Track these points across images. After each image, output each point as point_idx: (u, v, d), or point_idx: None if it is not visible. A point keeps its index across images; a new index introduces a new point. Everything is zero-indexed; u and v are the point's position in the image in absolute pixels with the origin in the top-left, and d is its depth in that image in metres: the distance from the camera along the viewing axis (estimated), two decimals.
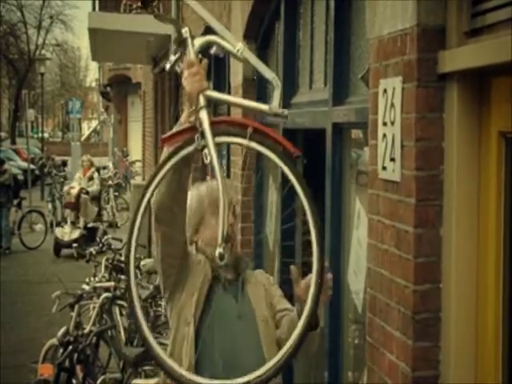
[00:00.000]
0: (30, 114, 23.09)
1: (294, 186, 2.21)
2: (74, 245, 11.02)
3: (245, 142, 2.23)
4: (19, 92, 33.37)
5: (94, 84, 52.57)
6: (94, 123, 59.31)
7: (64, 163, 24.52)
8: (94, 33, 9.21)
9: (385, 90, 2.29)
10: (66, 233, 12.90)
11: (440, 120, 2.09)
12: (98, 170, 16.28)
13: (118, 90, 26.39)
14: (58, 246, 12.90)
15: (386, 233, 2.26)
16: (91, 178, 13.88)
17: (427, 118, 2.09)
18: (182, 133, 2.27)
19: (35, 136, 40.83)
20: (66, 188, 13.66)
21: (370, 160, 2.42)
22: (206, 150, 2.20)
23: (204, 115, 2.19)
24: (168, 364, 2.21)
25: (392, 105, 2.23)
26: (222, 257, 2.15)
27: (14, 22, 35.39)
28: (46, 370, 5.35)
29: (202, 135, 2.19)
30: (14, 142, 34.17)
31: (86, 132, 62.72)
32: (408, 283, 2.11)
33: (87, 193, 13.36)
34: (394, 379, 2.19)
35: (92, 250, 7.17)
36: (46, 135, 45.82)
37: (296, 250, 4.31)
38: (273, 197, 4.68)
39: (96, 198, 14.16)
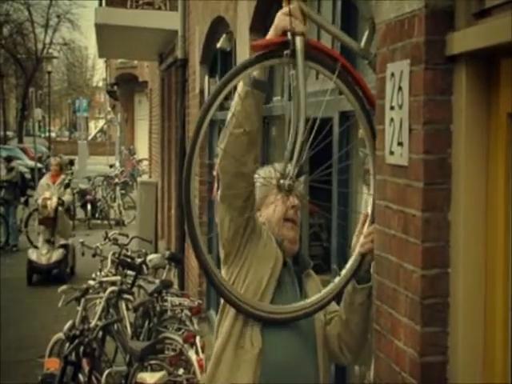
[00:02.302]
0: (37, 113, 23.16)
1: (366, 133, 2.27)
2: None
3: (332, 76, 2.23)
4: (26, 91, 33.46)
5: (100, 83, 52.71)
6: (101, 122, 59.47)
7: (71, 162, 24.59)
8: (100, 28, 9.22)
9: (392, 74, 2.26)
10: (43, 254, 10.44)
11: (448, 102, 2.06)
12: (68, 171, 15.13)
13: (124, 88, 26.42)
14: (33, 270, 10.61)
15: (394, 218, 2.24)
16: (68, 185, 11.45)
17: (435, 101, 2.06)
18: (273, 43, 2.22)
19: (42, 135, 40.95)
20: (39, 200, 10.61)
21: (377, 145, 2.39)
22: (292, 71, 2.15)
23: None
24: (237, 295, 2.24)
25: (399, 88, 2.20)
26: (290, 188, 2.15)
27: (22, 21, 35.49)
28: (53, 364, 5.35)
29: (293, 53, 2.15)
30: (21, 141, 34.30)
31: (93, 131, 62.87)
32: (416, 268, 2.09)
33: (63, 203, 10.79)
34: (401, 365, 2.17)
35: (99, 244, 7.17)
36: (53, 134, 45.96)
37: (303, 242, 4.29)
38: None
39: (68, 210, 11.73)
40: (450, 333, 2.06)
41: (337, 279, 2.35)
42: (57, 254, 10.42)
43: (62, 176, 11.19)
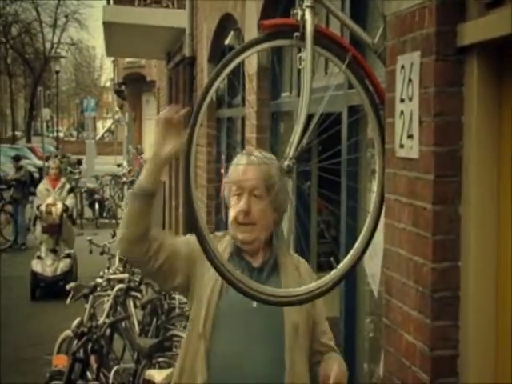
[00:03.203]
0: (46, 112, 23.25)
1: (373, 129, 2.26)
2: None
3: (341, 65, 2.22)
4: (34, 91, 33.59)
5: (108, 83, 52.83)
6: (109, 122, 59.59)
7: (79, 161, 24.69)
8: (108, 27, 9.21)
9: (402, 66, 2.24)
10: (49, 265, 9.51)
11: (459, 94, 2.04)
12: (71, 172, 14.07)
13: (132, 88, 26.46)
14: (38, 283, 9.63)
15: (403, 211, 2.22)
16: (72, 190, 10.54)
17: (446, 93, 2.04)
18: (282, 23, 2.22)
19: (50, 135, 41.09)
20: (42, 207, 9.65)
21: (387, 139, 2.37)
22: (301, 54, 2.15)
23: (309, 16, 2.15)
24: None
25: (410, 80, 2.18)
26: (289, 169, 2.13)
27: (30, 21, 35.62)
28: (61, 361, 5.35)
29: (302, 37, 2.15)
30: (29, 141, 34.42)
31: (100, 131, 63.00)
32: (426, 261, 2.07)
33: (67, 209, 9.89)
34: (411, 360, 2.15)
35: (106, 243, 7.18)
36: (60, 134, 46.08)
37: (311, 239, 4.28)
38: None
39: (70, 216, 10.76)
40: (461, 326, 2.04)
41: (333, 271, 2.32)
42: (63, 265, 9.54)
43: (62, 179, 10.32)
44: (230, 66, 2.21)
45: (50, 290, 9.50)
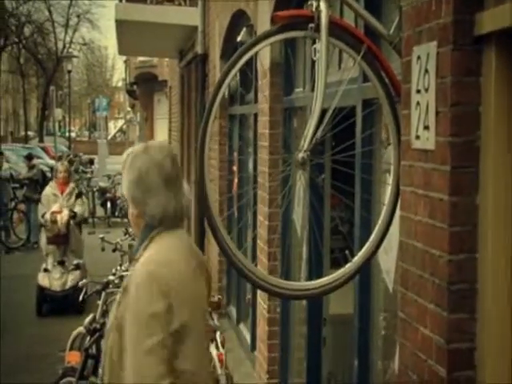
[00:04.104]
0: (58, 112, 23.38)
1: (388, 121, 2.26)
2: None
3: (357, 57, 2.22)
4: (47, 90, 33.74)
5: (120, 83, 53.01)
6: (121, 122, 59.79)
7: (91, 161, 24.73)
8: (120, 25, 9.22)
9: (418, 57, 2.22)
10: (56, 279, 8.63)
11: (476, 84, 2.02)
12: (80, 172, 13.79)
13: (144, 87, 26.51)
14: (45, 299, 8.76)
15: (419, 203, 2.20)
16: (80, 195, 9.48)
17: (463, 82, 2.02)
18: (297, 15, 2.21)
19: (63, 135, 41.27)
20: (46, 215, 8.66)
21: (403, 131, 2.36)
22: (316, 45, 2.15)
23: (324, 7, 2.14)
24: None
25: (426, 71, 2.16)
26: (303, 161, 2.15)
27: (42, 21, 35.80)
28: (74, 358, 5.36)
29: (317, 28, 2.14)
30: (42, 141, 34.57)
31: (112, 131, 63.23)
32: (443, 253, 2.04)
33: (75, 216, 8.82)
34: (427, 353, 2.13)
35: (119, 240, 7.18)
36: (73, 134, 46.31)
37: (324, 235, 4.26)
38: (301, 181, 4.62)
39: (79, 224, 9.66)
40: (478, 319, 2.02)
41: (347, 265, 2.32)
42: (72, 278, 8.53)
43: (72, 184, 9.25)
44: (244, 59, 2.21)
45: (58, 305, 8.75)
